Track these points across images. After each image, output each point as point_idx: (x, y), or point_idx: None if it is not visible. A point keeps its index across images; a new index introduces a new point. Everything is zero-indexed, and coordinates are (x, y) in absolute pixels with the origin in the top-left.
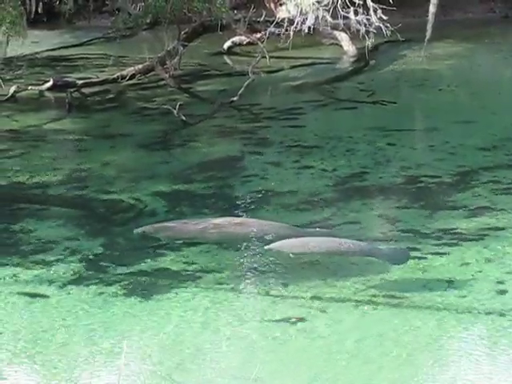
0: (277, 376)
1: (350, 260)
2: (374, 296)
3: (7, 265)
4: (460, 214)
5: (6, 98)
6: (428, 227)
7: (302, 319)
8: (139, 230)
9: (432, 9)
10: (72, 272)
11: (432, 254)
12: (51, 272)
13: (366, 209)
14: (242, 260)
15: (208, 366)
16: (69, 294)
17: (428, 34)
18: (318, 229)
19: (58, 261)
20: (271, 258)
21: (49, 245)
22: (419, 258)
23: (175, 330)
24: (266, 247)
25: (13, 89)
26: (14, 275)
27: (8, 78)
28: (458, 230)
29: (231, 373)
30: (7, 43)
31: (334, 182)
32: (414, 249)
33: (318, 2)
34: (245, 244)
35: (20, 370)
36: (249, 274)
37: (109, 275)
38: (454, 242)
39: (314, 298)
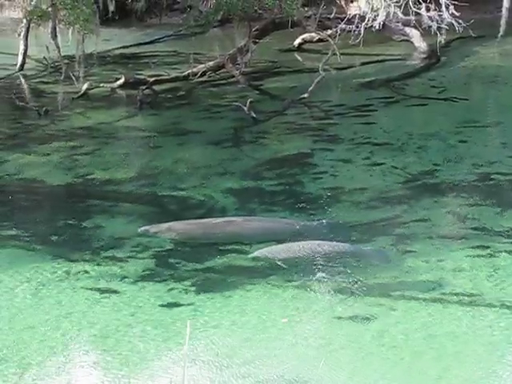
0: (347, 373)
1: (421, 258)
2: (445, 294)
3: (80, 260)
4: None
5: (79, 95)
6: (499, 225)
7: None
8: (143, 228)
9: (506, 4)
10: (143, 268)
11: (503, 251)
12: (123, 268)
13: (436, 206)
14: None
15: (278, 362)
16: (140, 289)
17: (502, 29)
18: (324, 221)
19: (129, 257)
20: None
21: (120, 241)
22: (491, 256)
23: (244, 326)
24: (250, 255)
25: (85, 86)
26: (86, 271)
27: (81, 75)
28: None
29: (302, 369)
30: (83, 41)
31: (405, 179)
32: (485, 247)
33: None
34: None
35: (94, 364)
36: (316, 271)
37: (179, 271)
38: None
39: (382, 295)
